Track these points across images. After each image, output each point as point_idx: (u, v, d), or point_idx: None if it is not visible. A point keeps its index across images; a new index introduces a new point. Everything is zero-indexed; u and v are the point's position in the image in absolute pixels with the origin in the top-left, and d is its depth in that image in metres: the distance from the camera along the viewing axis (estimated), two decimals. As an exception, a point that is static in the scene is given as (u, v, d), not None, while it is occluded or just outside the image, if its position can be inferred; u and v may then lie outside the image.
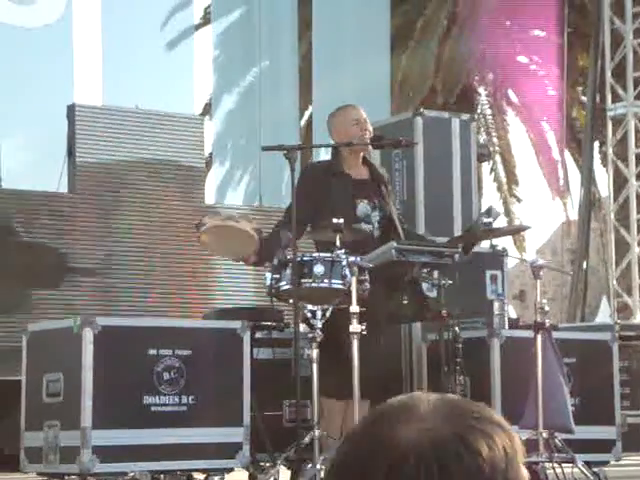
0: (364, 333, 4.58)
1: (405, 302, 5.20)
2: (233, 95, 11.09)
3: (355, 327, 4.57)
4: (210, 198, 9.00)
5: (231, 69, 10.82)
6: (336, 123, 5.27)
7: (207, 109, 11.74)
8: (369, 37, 10.27)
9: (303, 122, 12.48)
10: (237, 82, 11.02)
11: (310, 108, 11.79)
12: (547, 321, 5.06)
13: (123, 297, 7.08)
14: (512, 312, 5.72)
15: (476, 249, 5.63)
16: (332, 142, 5.34)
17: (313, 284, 4.65)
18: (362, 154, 5.25)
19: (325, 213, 4.97)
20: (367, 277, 4.70)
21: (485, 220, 5.15)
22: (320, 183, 5.11)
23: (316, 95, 10.44)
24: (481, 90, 13.99)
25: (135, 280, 7.27)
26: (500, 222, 5.61)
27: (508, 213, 14.29)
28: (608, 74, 10.24)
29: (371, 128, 5.23)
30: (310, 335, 4.70)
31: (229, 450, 4.69)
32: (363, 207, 5.14)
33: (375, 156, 5.77)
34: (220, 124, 10.83)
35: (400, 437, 1.12)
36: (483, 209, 5.84)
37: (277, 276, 4.70)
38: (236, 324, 4.82)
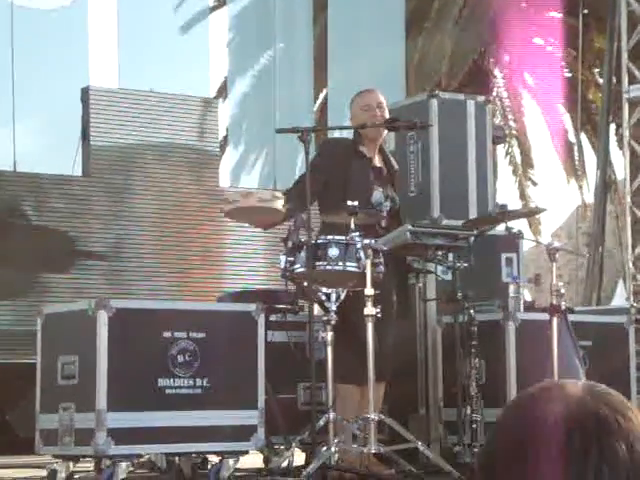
0: (379, 315, 4.57)
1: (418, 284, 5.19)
2: (248, 78, 11.07)
3: (370, 310, 4.56)
4: (224, 181, 8.99)
5: (246, 52, 10.80)
6: (352, 108, 5.28)
7: (222, 92, 11.71)
8: (384, 19, 10.22)
9: (318, 105, 12.45)
10: (252, 65, 11.00)
11: (325, 91, 11.75)
12: (563, 304, 5.03)
13: (136, 280, 7.08)
14: (527, 295, 5.69)
15: (492, 231, 5.61)
16: (348, 124, 5.32)
17: (327, 267, 4.64)
18: (379, 143, 5.22)
19: (339, 191, 4.95)
20: (382, 260, 4.68)
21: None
22: (339, 160, 5.09)
23: (331, 77, 10.40)
24: (497, 72, 13.91)
25: (149, 263, 7.27)
26: (515, 205, 5.59)
27: (523, 196, 14.23)
28: (624, 56, 10.15)
29: (387, 113, 5.19)
30: (325, 318, 4.70)
31: (244, 433, 4.70)
32: (378, 194, 5.12)
33: (390, 138, 5.74)
34: (235, 107, 10.82)
35: (558, 411, 1.21)
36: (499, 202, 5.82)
37: (291, 259, 4.70)
38: (251, 307, 4.81)
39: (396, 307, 5.07)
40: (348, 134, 5.65)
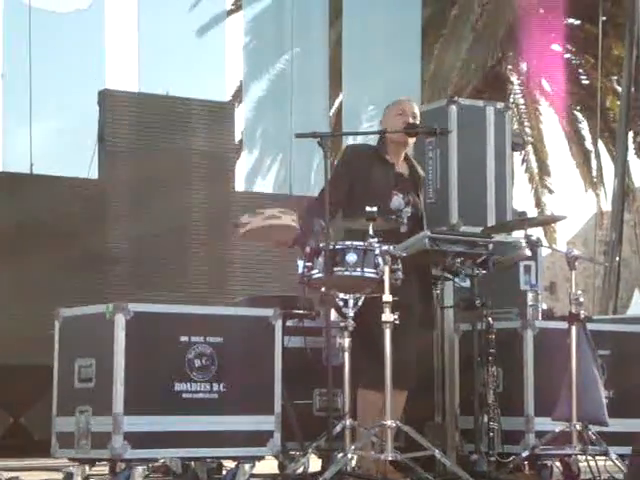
0: (397, 322, 4.54)
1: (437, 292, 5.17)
2: (263, 82, 11.07)
3: (387, 316, 4.54)
4: (240, 185, 8.98)
5: (262, 56, 10.80)
6: (386, 113, 5.25)
7: (237, 96, 11.71)
8: (400, 26, 10.21)
9: (333, 110, 12.44)
10: (267, 69, 11.00)
11: (341, 96, 11.73)
12: (582, 312, 5.01)
13: (153, 283, 7.07)
14: (544, 304, 5.67)
15: (510, 239, 5.58)
16: (365, 129, 5.30)
17: (345, 272, 4.62)
18: (404, 150, 5.20)
19: (359, 197, 4.94)
20: (400, 266, 4.66)
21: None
22: (362, 166, 5.08)
23: (346, 86, 10.39)
24: (514, 79, 13.88)
25: (164, 266, 7.27)
26: (531, 213, 5.57)
27: (539, 204, 14.19)
28: (643, 64, 10.12)
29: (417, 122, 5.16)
30: (342, 324, 4.68)
31: (260, 438, 4.68)
32: (397, 200, 5.10)
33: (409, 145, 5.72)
34: (250, 111, 10.82)
35: None
36: (518, 209, 5.81)
37: (309, 264, 4.68)
38: (268, 312, 4.80)
39: (420, 316, 5.03)
40: (364, 140, 5.65)
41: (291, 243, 4.93)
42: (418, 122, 5.15)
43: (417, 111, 5.22)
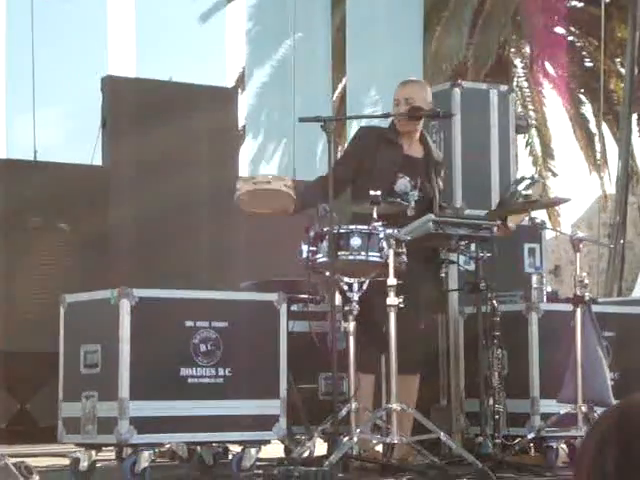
0: (401, 306, 4.55)
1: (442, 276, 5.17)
2: (266, 68, 11.05)
3: (392, 300, 4.54)
4: (244, 171, 8.98)
5: (264, 42, 10.77)
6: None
7: (240, 82, 11.69)
8: (403, 9, 10.17)
9: (336, 95, 12.41)
10: (270, 55, 10.98)
11: (344, 80, 11.71)
12: (587, 294, 5.00)
13: (157, 268, 7.07)
14: (548, 287, 5.65)
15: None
16: (367, 113, 5.29)
17: (350, 257, 4.62)
18: (415, 134, 5.17)
19: (364, 177, 4.93)
20: (404, 250, 4.65)
21: (524, 192, 5.09)
22: (370, 145, 5.08)
23: (349, 69, 10.36)
24: (517, 62, 13.84)
25: (169, 252, 7.27)
26: (535, 196, 5.54)
27: (543, 187, 14.17)
28: (646, 46, 10.08)
29: (416, 104, 5.11)
30: (346, 308, 4.68)
31: (265, 422, 4.68)
32: (402, 183, 5.07)
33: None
34: (253, 97, 10.80)
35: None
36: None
37: (314, 248, 4.67)
38: (273, 296, 4.80)
39: (429, 299, 5.03)
40: (378, 123, 5.63)
41: (292, 211, 4.92)
42: (416, 103, 5.11)
43: (412, 92, 5.15)
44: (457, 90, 5.70)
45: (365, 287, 4.68)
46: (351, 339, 4.66)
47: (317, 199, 4.71)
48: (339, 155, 5.25)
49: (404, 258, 4.64)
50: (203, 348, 4.58)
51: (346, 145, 4.93)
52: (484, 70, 12.18)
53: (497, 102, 5.81)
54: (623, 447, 1.52)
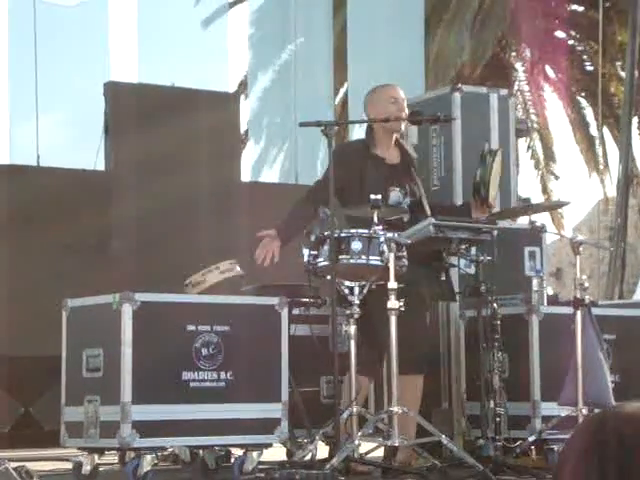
0: (402, 309, 4.57)
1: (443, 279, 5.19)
2: (268, 73, 11.07)
3: (393, 303, 4.56)
4: (246, 176, 9.00)
5: (266, 47, 10.79)
6: (374, 100, 5.23)
7: (242, 87, 11.72)
8: (404, 13, 10.20)
9: (338, 100, 12.44)
10: (272, 60, 11.00)
11: (345, 86, 11.73)
12: (587, 297, 5.02)
13: (159, 273, 7.09)
14: (549, 290, 5.66)
15: (515, 225, 5.60)
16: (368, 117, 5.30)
17: (351, 260, 4.64)
18: (395, 135, 5.21)
19: (356, 200, 4.93)
20: (405, 253, 4.68)
21: (494, 165, 5.12)
22: (352, 165, 5.05)
23: (351, 72, 10.39)
24: (518, 66, 13.87)
25: (170, 256, 7.29)
26: (537, 199, 5.57)
27: (545, 190, 14.19)
28: (647, 49, 10.10)
29: (407, 110, 5.19)
30: (347, 312, 4.70)
31: (267, 426, 4.71)
32: (395, 195, 5.10)
33: (413, 132, 5.74)
34: (255, 102, 10.82)
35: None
36: (522, 196, 5.81)
37: (315, 252, 4.70)
38: (274, 300, 4.82)
39: (438, 295, 5.07)
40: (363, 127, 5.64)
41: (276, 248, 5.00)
42: (406, 108, 5.16)
43: (403, 95, 5.22)
44: (457, 94, 5.72)
45: (366, 291, 4.71)
46: (352, 342, 4.68)
47: (299, 229, 4.84)
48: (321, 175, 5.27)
49: (405, 262, 4.67)
50: (205, 352, 4.61)
51: (327, 166, 4.88)
52: (479, 68, 12.19)
53: (497, 106, 5.84)
54: (602, 456, 1.54)
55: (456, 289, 5.48)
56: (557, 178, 14.30)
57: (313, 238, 4.72)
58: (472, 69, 12.21)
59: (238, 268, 5.06)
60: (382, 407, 4.91)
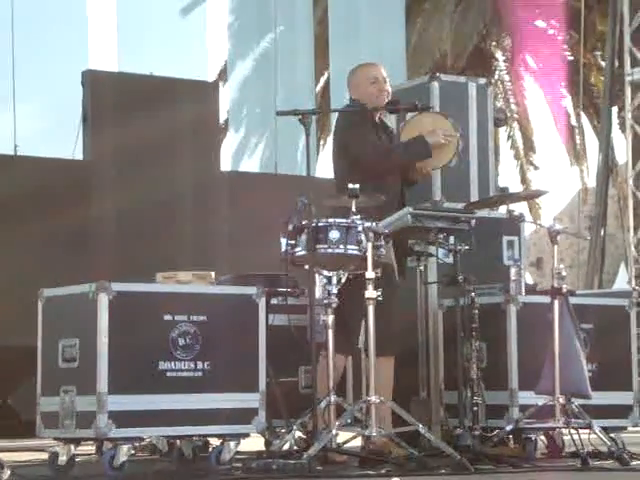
0: (380, 299, 4.57)
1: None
2: (248, 61, 11.04)
3: (370, 292, 4.56)
4: (226, 165, 8.99)
5: (246, 35, 10.77)
6: (355, 80, 5.26)
7: (222, 76, 11.68)
8: (385, 2, 10.20)
9: (319, 88, 12.42)
10: (252, 48, 10.97)
11: (326, 74, 11.72)
12: (564, 286, 5.03)
13: (138, 262, 7.07)
14: (529, 279, 5.68)
15: (493, 214, 5.61)
16: (350, 97, 5.30)
17: (329, 250, 4.64)
18: (378, 115, 5.25)
19: None
20: (383, 243, 4.68)
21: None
22: (369, 127, 5.13)
23: (332, 60, 10.37)
24: (498, 55, 13.88)
25: (151, 246, 7.27)
26: (516, 189, 5.58)
27: (525, 180, 14.22)
28: (627, 39, 10.14)
29: (390, 88, 5.21)
30: (325, 301, 4.69)
31: (245, 416, 4.70)
32: None
33: (391, 121, 5.73)
34: (235, 91, 10.80)
35: None
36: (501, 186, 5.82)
37: (292, 242, 4.69)
38: (252, 290, 4.81)
39: (400, 272, 5.09)
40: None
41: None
42: (388, 87, 5.18)
43: (385, 74, 5.24)
44: (435, 83, 5.72)
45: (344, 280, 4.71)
46: (330, 332, 4.67)
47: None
48: (335, 147, 5.28)
49: (382, 251, 4.66)
50: (182, 342, 4.59)
51: (347, 128, 5.02)
52: (460, 58, 12.19)
53: (476, 95, 5.83)
54: None
55: (434, 279, 5.49)
56: (536, 168, 14.32)
57: (291, 227, 4.71)
58: (453, 59, 12.21)
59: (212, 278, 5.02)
60: (360, 395, 4.90)
